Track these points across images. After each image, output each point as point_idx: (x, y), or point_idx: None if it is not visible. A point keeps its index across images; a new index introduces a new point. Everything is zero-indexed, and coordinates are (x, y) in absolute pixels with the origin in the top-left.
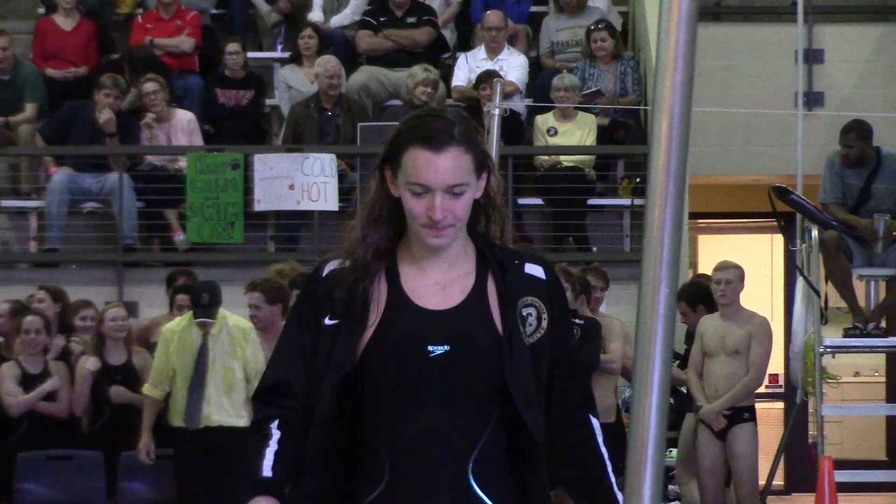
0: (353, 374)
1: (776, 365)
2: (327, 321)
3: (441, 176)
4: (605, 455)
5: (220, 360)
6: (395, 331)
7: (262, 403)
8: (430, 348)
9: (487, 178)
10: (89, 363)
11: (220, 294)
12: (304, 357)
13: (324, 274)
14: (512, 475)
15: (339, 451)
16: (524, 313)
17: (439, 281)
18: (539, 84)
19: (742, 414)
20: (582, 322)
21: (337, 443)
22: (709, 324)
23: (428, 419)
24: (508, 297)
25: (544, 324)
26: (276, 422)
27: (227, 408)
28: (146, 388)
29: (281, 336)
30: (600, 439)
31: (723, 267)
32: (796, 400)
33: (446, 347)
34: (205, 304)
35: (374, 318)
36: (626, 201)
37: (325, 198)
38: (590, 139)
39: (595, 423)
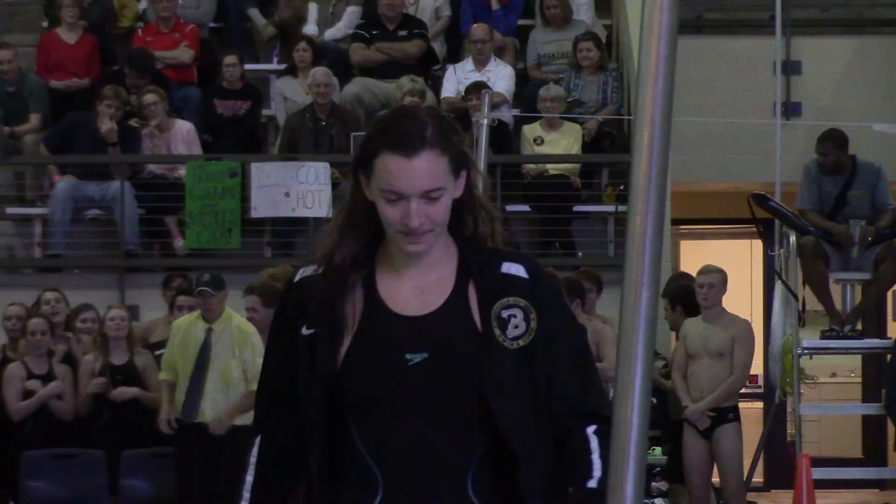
0: (336, 387)
1: (755, 366)
2: (304, 331)
3: (415, 182)
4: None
5: (221, 357)
6: (371, 340)
7: (258, 402)
8: (407, 356)
9: (467, 177)
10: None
11: (223, 281)
12: (281, 365)
13: (295, 280)
14: (501, 485)
15: (338, 464)
16: (505, 315)
17: (417, 286)
18: (526, 95)
19: (727, 414)
20: None
21: (336, 456)
22: (691, 327)
23: (416, 432)
24: (484, 299)
25: (533, 325)
26: (257, 444)
27: (222, 405)
28: (161, 374)
29: (266, 346)
30: (598, 471)
31: (706, 271)
32: (775, 400)
33: (425, 355)
34: (206, 281)
35: (350, 328)
36: (610, 208)
37: (320, 205)
38: (575, 148)
39: (596, 459)
